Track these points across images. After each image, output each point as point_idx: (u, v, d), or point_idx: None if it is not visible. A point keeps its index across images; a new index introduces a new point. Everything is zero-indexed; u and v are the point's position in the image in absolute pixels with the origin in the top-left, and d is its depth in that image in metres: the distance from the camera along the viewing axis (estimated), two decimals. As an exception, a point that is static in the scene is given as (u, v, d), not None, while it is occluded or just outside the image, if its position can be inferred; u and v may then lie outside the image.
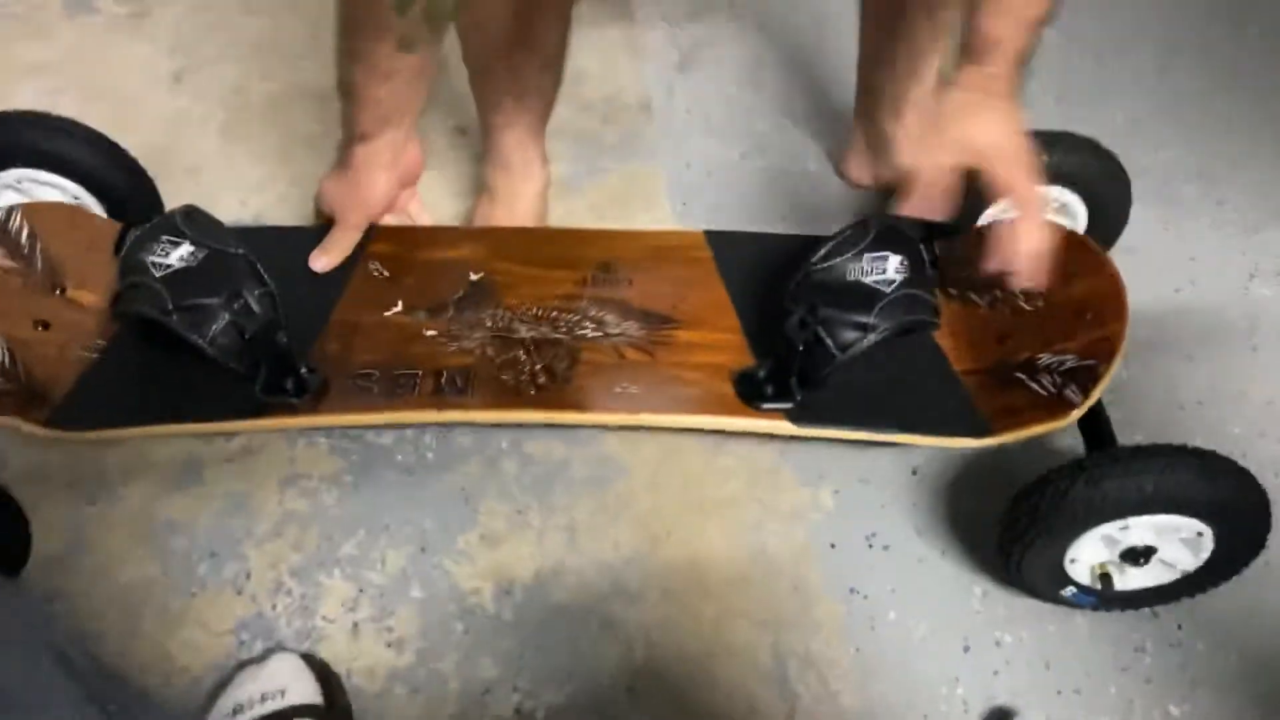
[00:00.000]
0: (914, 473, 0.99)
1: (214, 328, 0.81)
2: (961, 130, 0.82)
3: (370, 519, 0.92)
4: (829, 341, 0.82)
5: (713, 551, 0.92)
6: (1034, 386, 0.84)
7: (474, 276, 0.95)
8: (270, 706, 0.73)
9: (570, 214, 1.19)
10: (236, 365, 0.82)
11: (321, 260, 0.94)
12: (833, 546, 0.93)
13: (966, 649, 0.87)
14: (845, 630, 0.88)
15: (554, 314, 0.92)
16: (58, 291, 0.89)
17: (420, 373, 0.86)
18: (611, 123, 1.32)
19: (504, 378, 0.86)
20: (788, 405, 0.85)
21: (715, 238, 1.00)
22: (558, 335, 0.90)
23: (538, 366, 0.87)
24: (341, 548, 0.90)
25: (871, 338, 0.82)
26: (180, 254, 0.83)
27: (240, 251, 0.85)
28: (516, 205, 1.10)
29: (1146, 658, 0.87)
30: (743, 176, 1.26)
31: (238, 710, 0.73)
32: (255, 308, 0.83)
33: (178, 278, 0.82)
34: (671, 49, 1.44)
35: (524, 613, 0.87)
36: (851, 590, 0.90)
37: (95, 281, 0.91)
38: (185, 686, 0.81)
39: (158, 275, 0.82)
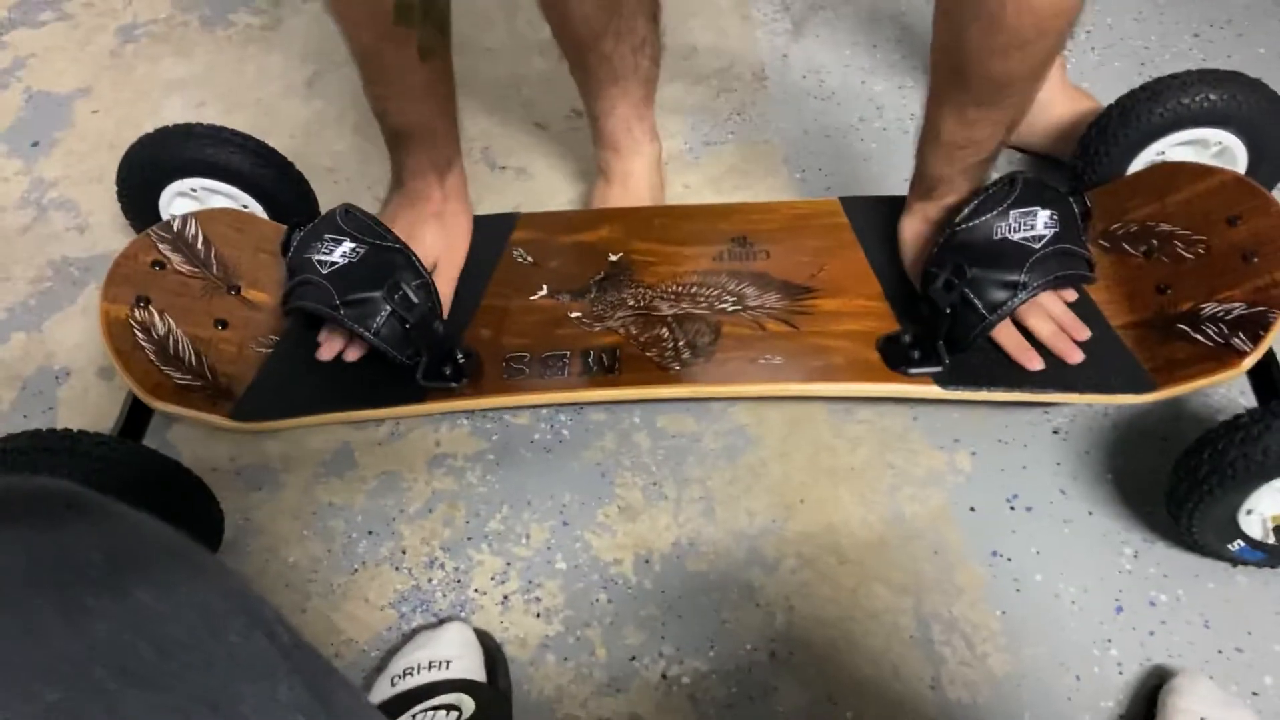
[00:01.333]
0: (1055, 432, 0.96)
1: (378, 319, 0.86)
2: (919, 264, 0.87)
3: (513, 495, 0.96)
4: (977, 303, 0.81)
5: (847, 518, 0.92)
6: (1198, 337, 0.81)
7: (613, 257, 0.98)
8: (435, 675, 0.77)
9: (689, 189, 1.20)
10: (399, 354, 0.87)
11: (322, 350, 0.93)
12: (972, 510, 0.92)
13: (1119, 610, 0.85)
14: (989, 594, 0.86)
15: (693, 290, 0.94)
16: (232, 292, 0.95)
17: (569, 353, 0.89)
18: (726, 94, 1.32)
19: (649, 354, 0.89)
20: (936, 369, 0.83)
21: (850, 204, 1.00)
22: (698, 310, 0.92)
23: (681, 342, 0.89)
24: (488, 523, 0.94)
25: (1023, 296, 0.80)
26: (343, 250, 0.88)
27: (397, 245, 0.89)
28: (630, 183, 1.12)
29: (1316, 615, 0.83)
30: (861, 140, 1.24)
31: (406, 673, 0.78)
32: (414, 298, 0.88)
33: (342, 273, 0.87)
34: (783, 15, 1.43)
35: (664, 582, 0.89)
36: (994, 553, 0.89)
37: (266, 280, 0.97)
38: (353, 657, 0.87)
39: (324, 272, 0.87)
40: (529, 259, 0.99)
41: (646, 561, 0.91)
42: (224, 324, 0.92)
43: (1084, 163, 0.99)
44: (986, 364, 0.84)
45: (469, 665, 0.79)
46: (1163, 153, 0.96)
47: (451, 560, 0.92)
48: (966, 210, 0.84)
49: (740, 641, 0.85)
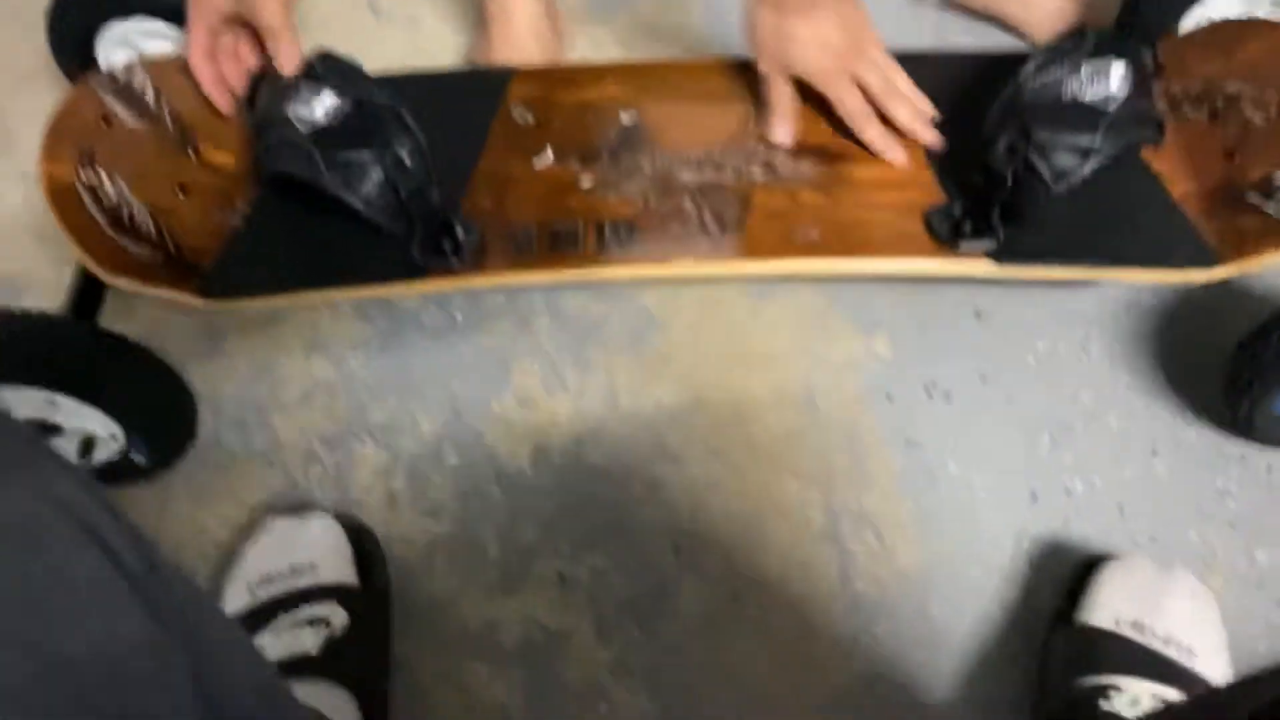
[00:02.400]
0: (978, 315, 0.91)
1: (368, 186, 0.75)
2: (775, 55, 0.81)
3: (401, 385, 0.88)
4: (1043, 170, 0.73)
5: (760, 407, 0.87)
6: (1270, 209, 0.75)
7: (626, 118, 0.87)
8: (300, 583, 0.70)
9: (596, 46, 1.10)
10: (393, 226, 0.77)
11: (288, 65, 0.79)
12: (889, 398, 0.87)
13: (1034, 499, 0.82)
14: (901, 485, 0.83)
15: (718, 156, 0.84)
16: (191, 152, 0.83)
17: (581, 226, 0.80)
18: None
19: (672, 228, 0.79)
20: (990, 244, 0.76)
21: None
22: (724, 180, 0.82)
23: (706, 215, 0.80)
24: (372, 415, 0.87)
25: (1093, 163, 0.73)
26: (325, 106, 0.77)
27: (387, 101, 0.78)
28: (512, 31, 1.01)
29: (1231, 501, 0.81)
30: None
31: (265, 580, 0.71)
32: (408, 162, 0.77)
33: (325, 132, 0.76)
34: None
35: (563, 476, 0.84)
36: (909, 443, 0.85)
37: (228, 138, 0.84)
38: (219, 559, 0.80)
39: (304, 131, 0.76)
40: (530, 119, 0.87)
41: (545, 455, 0.85)
42: (184, 189, 0.81)
43: (1132, 18, 0.91)
44: (1044, 237, 0.76)
45: (338, 566, 0.72)
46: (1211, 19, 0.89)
47: (331, 455, 0.85)
48: (1031, 66, 0.75)
49: (643, 538, 0.81)
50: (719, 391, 0.87)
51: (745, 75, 0.89)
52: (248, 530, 0.80)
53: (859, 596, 0.78)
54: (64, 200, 0.74)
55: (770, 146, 0.84)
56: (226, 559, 0.79)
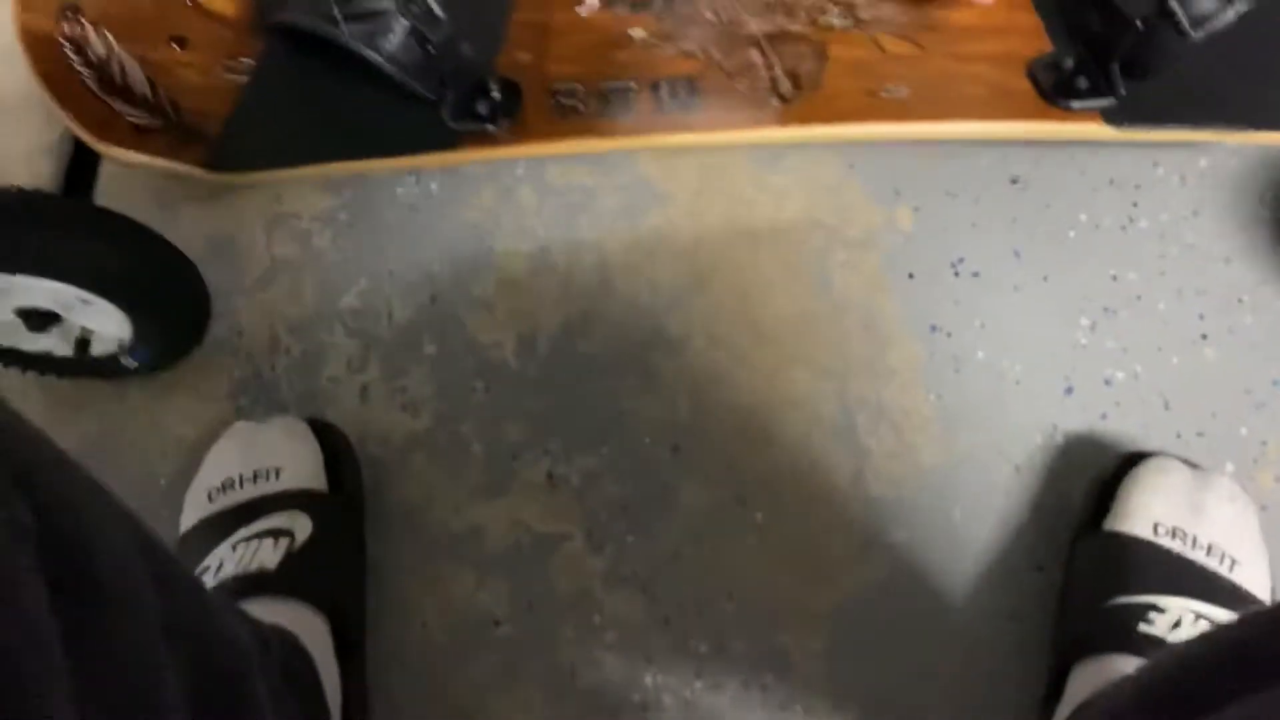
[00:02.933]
0: (1014, 181, 0.81)
1: (392, 39, 0.65)
2: None
3: (372, 265, 0.80)
4: (1180, 14, 0.62)
5: (767, 288, 0.78)
6: None
7: None
8: (261, 489, 0.64)
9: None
10: (421, 85, 0.67)
11: None
12: (911, 276, 0.78)
13: (1069, 390, 0.74)
14: (924, 375, 0.75)
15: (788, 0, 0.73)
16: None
17: (634, 84, 0.70)
18: None
19: (738, 86, 0.69)
20: (1108, 102, 0.66)
21: None
22: (796, 27, 0.71)
23: (778, 70, 0.69)
24: (342, 299, 0.79)
25: (1238, 8, 0.62)
26: None
27: None
28: None
29: (1287, 394, 0.74)
30: None
31: (226, 486, 0.65)
32: (436, 10, 0.66)
33: None
34: None
35: (551, 367, 0.76)
36: (933, 328, 0.77)
37: None
38: (181, 463, 0.74)
39: None
40: None
41: (531, 344, 0.77)
42: (182, 41, 0.70)
43: None
44: (1167, 93, 0.66)
45: (304, 470, 0.66)
46: None
47: (298, 343, 0.77)
48: None
49: (638, 435, 0.74)
50: (722, 271, 0.79)
51: None
52: (212, 429, 0.73)
53: (875, 499, 0.71)
54: (44, 56, 0.63)
55: None
56: (190, 458, 0.73)
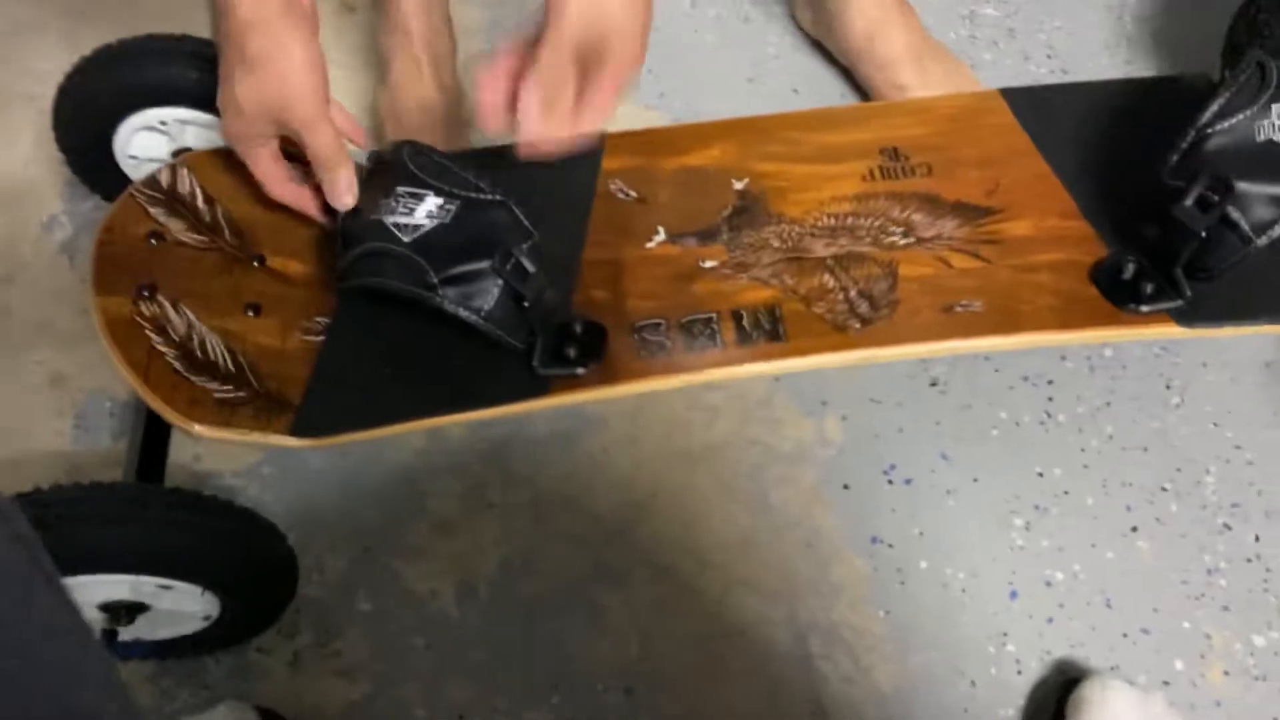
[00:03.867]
0: (934, 385, 0.84)
1: (488, 300, 0.64)
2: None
3: (299, 519, 0.77)
4: (1243, 224, 0.64)
5: (707, 511, 0.78)
6: None
7: (738, 184, 0.76)
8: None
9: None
10: (513, 338, 0.65)
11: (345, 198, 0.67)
12: (846, 488, 0.79)
13: (1013, 594, 0.75)
14: (871, 590, 0.75)
15: (849, 221, 0.74)
16: (257, 263, 0.69)
17: (715, 316, 0.68)
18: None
19: (817, 310, 0.69)
20: (1176, 303, 0.67)
21: (1014, 96, 0.79)
22: (862, 248, 0.72)
23: (853, 292, 0.69)
24: (268, 559, 0.75)
25: None
26: (427, 209, 0.65)
27: (498, 198, 0.66)
28: (423, 80, 0.92)
29: (1221, 580, 0.75)
30: (695, 32, 1.05)
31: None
32: (529, 266, 0.65)
33: (432, 240, 0.64)
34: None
35: (493, 614, 0.74)
36: (874, 540, 0.77)
37: (295, 243, 0.70)
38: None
39: (406, 240, 0.64)
40: (632, 194, 0.76)
41: (471, 590, 0.75)
42: (256, 309, 0.67)
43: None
44: (1232, 292, 0.67)
45: None
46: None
47: (224, 613, 0.74)
48: (1215, 107, 0.66)
49: (589, 681, 0.71)
50: (661, 497, 0.79)
51: (855, 123, 0.80)
52: None
53: (835, 730, 0.70)
54: (128, 342, 0.61)
55: (904, 206, 0.74)
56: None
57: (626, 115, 0.98)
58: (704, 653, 0.73)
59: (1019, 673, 0.71)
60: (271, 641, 0.72)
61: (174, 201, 0.68)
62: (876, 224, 0.73)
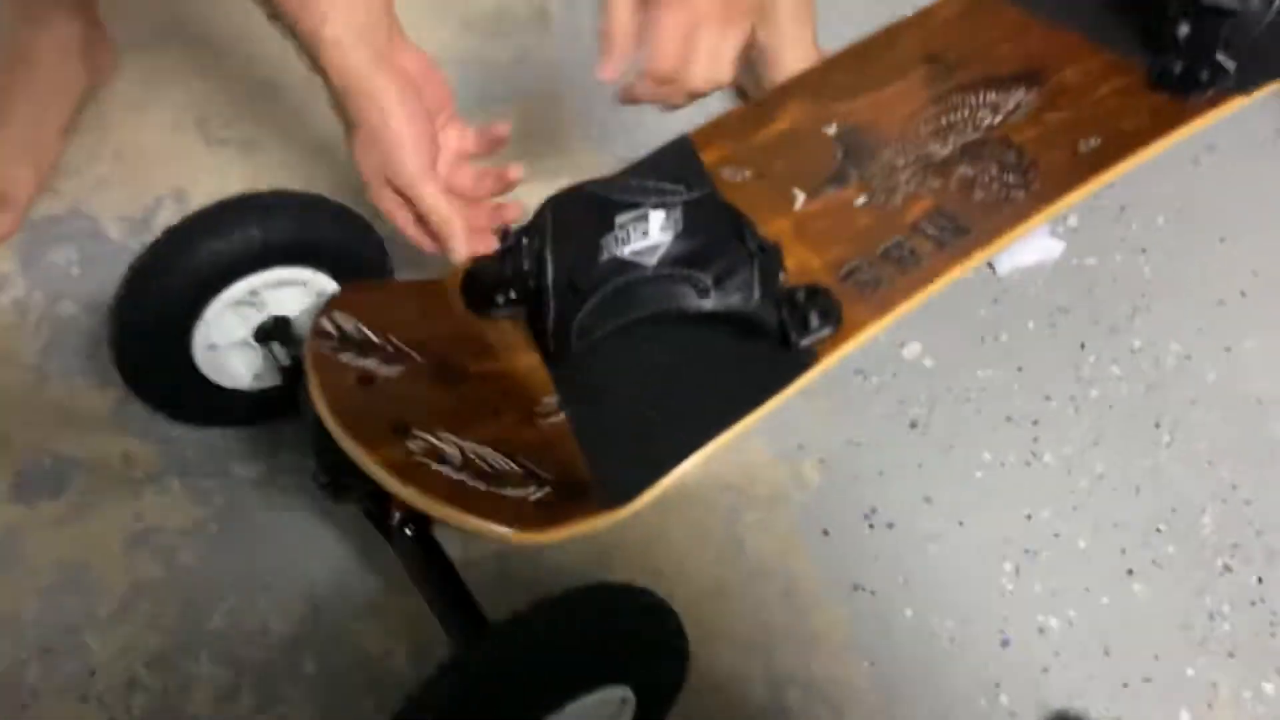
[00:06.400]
0: (914, 426, 0.81)
1: (751, 287, 0.62)
2: None
3: (243, 577, 0.73)
4: None
5: (679, 560, 0.74)
6: None
7: (829, 130, 0.78)
8: None
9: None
10: (769, 322, 0.63)
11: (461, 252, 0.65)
12: (826, 533, 0.75)
13: (1005, 643, 0.70)
14: (853, 640, 0.70)
15: (943, 121, 0.77)
16: (456, 374, 0.65)
17: (902, 238, 0.70)
18: (502, 39, 1.10)
19: (979, 198, 0.71)
20: (1228, 81, 0.71)
21: None
22: (972, 136, 0.74)
23: (994, 170, 0.72)
24: (209, 620, 0.71)
25: None
26: (659, 225, 0.63)
27: (705, 190, 0.65)
28: (37, 70, 0.90)
29: (1225, 624, 0.71)
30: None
31: None
32: (765, 243, 0.64)
33: (678, 251, 0.63)
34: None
35: (450, 674, 0.69)
36: (855, 587, 0.73)
37: (473, 345, 0.67)
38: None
39: (654, 261, 0.62)
40: (746, 173, 0.76)
41: (428, 650, 0.70)
42: (495, 411, 0.63)
43: None
44: (1267, 54, 0.72)
45: None
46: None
47: (158, 678, 0.68)
48: None
49: (552, 745, 0.66)
50: (630, 545, 0.74)
51: (886, 45, 0.83)
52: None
53: (818, 793, 0.64)
54: (425, 482, 0.56)
55: (972, 93, 0.77)
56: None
57: (582, 162, 0.97)
58: (676, 709, 0.67)
59: (1014, 726, 0.66)
60: (209, 708, 0.67)
61: (353, 344, 0.63)
62: (966, 114, 0.76)
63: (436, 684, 0.48)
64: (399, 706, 0.49)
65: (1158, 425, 0.81)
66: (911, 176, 0.74)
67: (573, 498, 0.59)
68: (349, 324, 0.63)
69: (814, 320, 0.65)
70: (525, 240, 0.63)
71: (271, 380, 0.75)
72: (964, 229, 0.70)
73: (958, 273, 0.69)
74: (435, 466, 0.56)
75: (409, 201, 0.63)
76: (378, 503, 0.62)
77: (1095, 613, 0.71)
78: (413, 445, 0.57)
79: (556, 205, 0.65)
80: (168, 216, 0.93)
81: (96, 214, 0.93)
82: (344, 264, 0.70)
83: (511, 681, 0.48)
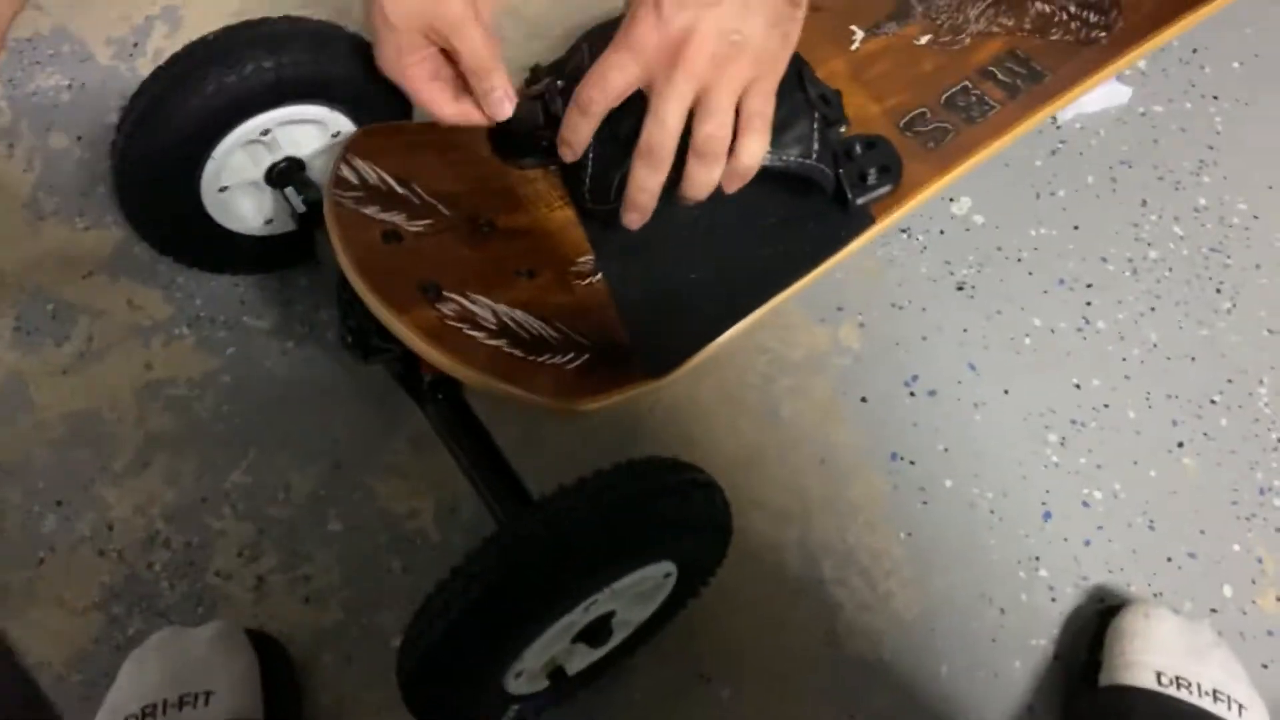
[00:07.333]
0: (960, 289, 0.76)
1: (810, 140, 0.57)
2: None
3: (263, 432, 0.70)
4: None
5: (711, 425, 0.71)
6: None
7: None
8: (189, 717, 0.54)
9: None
10: (825, 178, 0.59)
11: (504, 105, 0.57)
12: (864, 400, 0.72)
13: (1047, 515, 0.68)
14: (890, 510, 0.68)
15: None
16: (486, 229, 0.59)
17: (969, 83, 0.66)
18: None
19: (1055, 38, 0.66)
20: None
21: None
22: None
23: (1072, 8, 0.68)
24: (229, 476, 0.69)
25: None
26: None
27: None
28: None
29: (1276, 499, 0.69)
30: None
31: (148, 713, 0.54)
32: (826, 93, 0.60)
33: None
34: None
35: (477, 535, 0.67)
36: (893, 456, 0.70)
37: (506, 199, 0.61)
38: (48, 687, 0.62)
39: None
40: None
41: (452, 510, 0.68)
42: (530, 273, 0.58)
43: None
44: None
45: (239, 694, 0.56)
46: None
47: (180, 533, 0.67)
48: None
49: (581, 609, 0.65)
50: (661, 411, 0.71)
51: None
52: (81, 650, 0.62)
53: (851, 661, 0.64)
54: (456, 347, 0.51)
55: None
56: (56, 685, 0.62)
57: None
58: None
59: (1053, 599, 0.65)
60: (231, 565, 0.66)
61: (379, 196, 0.57)
62: None
63: (483, 555, 0.46)
64: (443, 577, 0.47)
65: (1219, 291, 0.77)
66: (981, 13, 0.68)
67: (612, 365, 0.56)
68: (370, 172, 0.57)
69: (872, 176, 0.60)
70: (560, 82, 0.57)
71: (283, 225, 0.70)
72: (1038, 74, 0.64)
73: (1029, 125, 0.63)
74: (469, 332, 0.52)
75: (443, 52, 0.56)
76: (407, 365, 0.59)
77: (1142, 486, 0.69)
78: (445, 309, 0.52)
79: (594, 40, 0.58)
80: (159, 40, 0.86)
81: (83, 35, 0.86)
82: (363, 102, 0.64)
83: (559, 557, 0.46)
